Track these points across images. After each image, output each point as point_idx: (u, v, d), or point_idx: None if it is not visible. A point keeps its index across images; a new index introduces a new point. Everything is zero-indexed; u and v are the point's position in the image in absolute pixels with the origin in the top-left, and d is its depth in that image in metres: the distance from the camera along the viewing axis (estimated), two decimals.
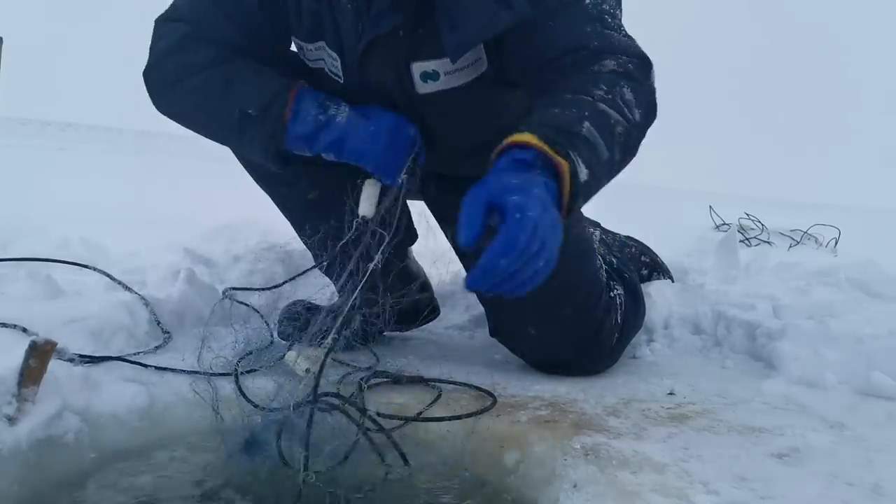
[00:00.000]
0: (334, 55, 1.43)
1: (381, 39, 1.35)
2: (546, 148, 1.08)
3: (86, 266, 1.89)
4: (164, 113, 1.47)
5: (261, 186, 1.77)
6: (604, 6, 1.31)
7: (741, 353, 1.75)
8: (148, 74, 1.45)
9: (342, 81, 1.47)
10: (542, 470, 1.10)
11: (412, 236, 1.88)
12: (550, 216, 1.02)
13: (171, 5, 1.46)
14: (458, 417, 1.25)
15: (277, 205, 1.80)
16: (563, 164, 1.07)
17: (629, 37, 1.32)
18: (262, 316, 1.62)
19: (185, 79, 1.40)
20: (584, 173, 1.10)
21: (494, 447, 1.20)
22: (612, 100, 1.20)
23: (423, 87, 1.41)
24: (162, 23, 1.45)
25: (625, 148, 1.21)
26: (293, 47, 1.54)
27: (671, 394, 1.44)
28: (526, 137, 1.10)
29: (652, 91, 1.29)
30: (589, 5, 1.30)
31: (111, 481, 1.11)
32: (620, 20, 1.33)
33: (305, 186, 1.69)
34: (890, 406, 1.39)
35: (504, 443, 1.20)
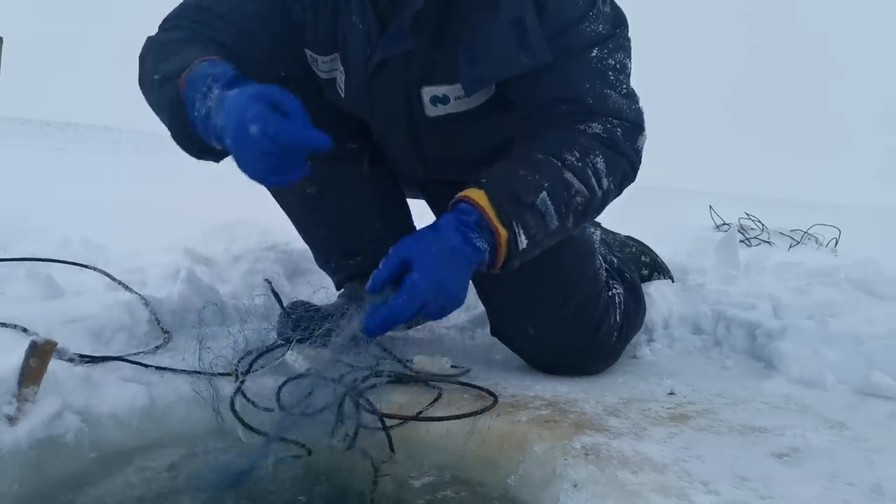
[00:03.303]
0: (343, 70, 1.44)
1: (393, 61, 1.35)
2: (491, 215, 1.17)
3: (86, 266, 1.89)
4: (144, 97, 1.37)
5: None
6: (609, 60, 1.31)
7: (741, 352, 1.75)
8: (139, 58, 1.37)
9: (343, 97, 1.47)
10: (542, 470, 1.10)
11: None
12: (456, 280, 1.14)
13: (169, 13, 1.40)
14: (459, 417, 1.25)
15: (277, 200, 1.80)
16: (502, 234, 1.18)
17: (629, 95, 1.33)
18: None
19: (145, 54, 1.34)
20: (523, 242, 1.20)
21: (495, 447, 1.20)
22: (581, 168, 1.25)
23: (433, 111, 1.42)
24: (161, 25, 1.40)
25: (581, 215, 1.28)
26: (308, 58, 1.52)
27: (671, 394, 1.44)
28: (477, 196, 1.18)
29: (633, 155, 1.32)
30: (595, 58, 1.30)
31: (111, 481, 1.11)
32: (626, 74, 1.34)
33: (304, 181, 1.70)
34: (890, 406, 1.39)
35: (504, 443, 1.20)
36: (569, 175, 1.24)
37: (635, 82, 1.37)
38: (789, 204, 6.68)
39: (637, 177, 1.36)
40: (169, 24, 1.40)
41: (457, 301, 1.15)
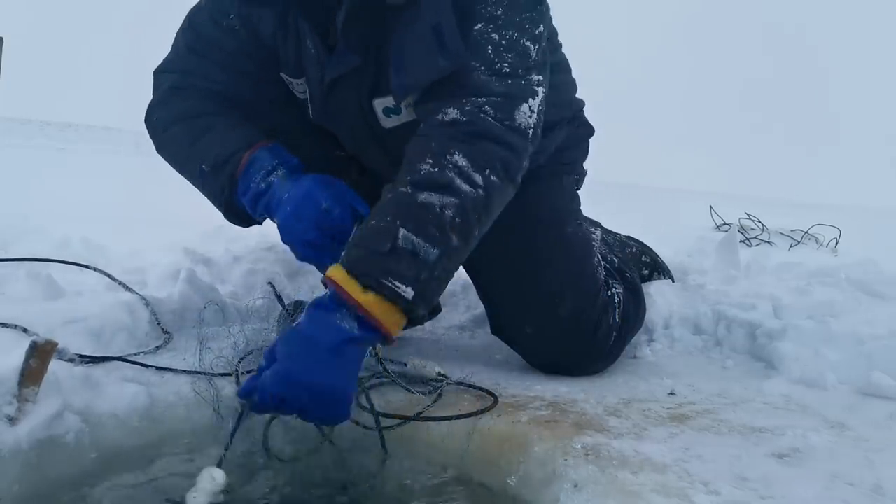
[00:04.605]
0: (308, 91, 1.47)
1: (344, 78, 1.37)
2: (349, 288, 1.09)
3: (86, 266, 1.89)
4: (163, 158, 1.53)
5: None
6: (493, 35, 1.24)
7: (742, 353, 1.75)
8: (145, 123, 1.52)
9: (311, 115, 1.50)
10: (542, 470, 1.10)
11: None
12: (319, 373, 1.07)
13: (165, 57, 1.52)
14: (459, 417, 1.24)
15: None
16: (363, 300, 1.08)
17: (509, 74, 1.23)
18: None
19: (167, 129, 1.47)
20: (406, 291, 1.09)
21: (495, 447, 1.20)
22: (436, 176, 1.14)
23: (388, 122, 1.43)
24: (157, 74, 1.51)
25: (465, 225, 1.15)
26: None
27: (672, 394, 1.44)
28: (334, 273, 1.12)
29: (510, 133, 1.20)
30: (476, 32, 1.24)
31: (111, 481, 1.11)
32: (516, 53, 1.24)
33: None
34: (890, 406, 1.39)
35: (505, 443, 1.20)
36: (423, 196, 1.13)
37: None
38: (789, 204, 6.67)
39: (527, 156, 1.23)
40: (167, 79, 1.49)
41: (323, 393, 1.07)
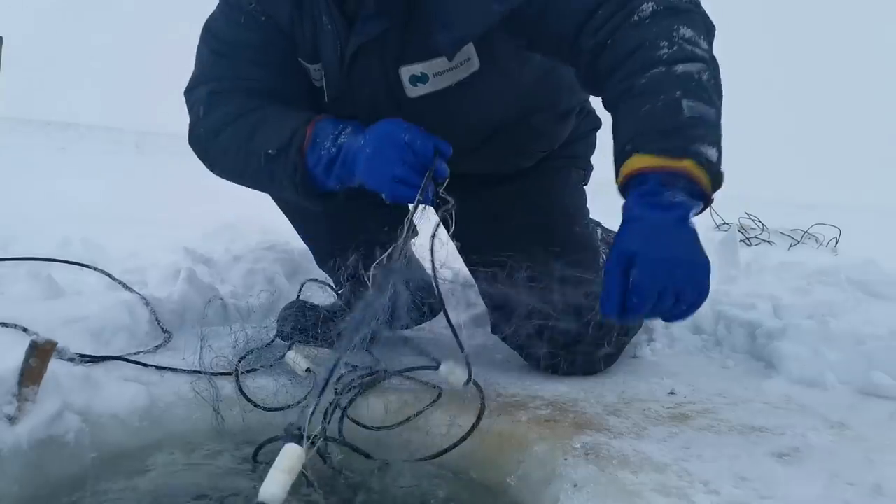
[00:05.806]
0: (323, 72, 1.45)
1: (366, 47, 1.35)
2: (664, 164, 1.08)
3: (86, 266, 1.89)
4: (218, 175, 1.47)
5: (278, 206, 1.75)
6: None
7: (742, 352, 1.75)
8: (191, 144, 1.46)
9: (325, 99, 1.48)
10: (542, 469, 1.10)
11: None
12: (685, 249, 1.08)
13: (191, 76, 1.48)
14: (448, 447, 1.19)
15: (274, 199, 1.80)
16: (688, 166, 1.08)
17: None
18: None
19: (218, 135, 1.40)
20: (712, 152, 1.10)
21: (495, 447, 1.20)
22: (679, 52, 1.15)
23: (413, 91, 1.41)
24: (188, 93, 1.47)
25: (718, 86, 1.18)
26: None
27: (672, 393, 1.44)
28: (639, 163, 1.10)
29: (695, 8, 1.23)
30: None
31: (111, 481, 1.11)
32: None
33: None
34: (890, 406, 1.39)
35: (504, 442, 1.20)
36: (680, 68, 1.14)
37: None
38: (789, 204, 6.67)
39: (714, 39, 1.24)
40: (202, 91, 1.43)
41: (696, 268, 1.09)
